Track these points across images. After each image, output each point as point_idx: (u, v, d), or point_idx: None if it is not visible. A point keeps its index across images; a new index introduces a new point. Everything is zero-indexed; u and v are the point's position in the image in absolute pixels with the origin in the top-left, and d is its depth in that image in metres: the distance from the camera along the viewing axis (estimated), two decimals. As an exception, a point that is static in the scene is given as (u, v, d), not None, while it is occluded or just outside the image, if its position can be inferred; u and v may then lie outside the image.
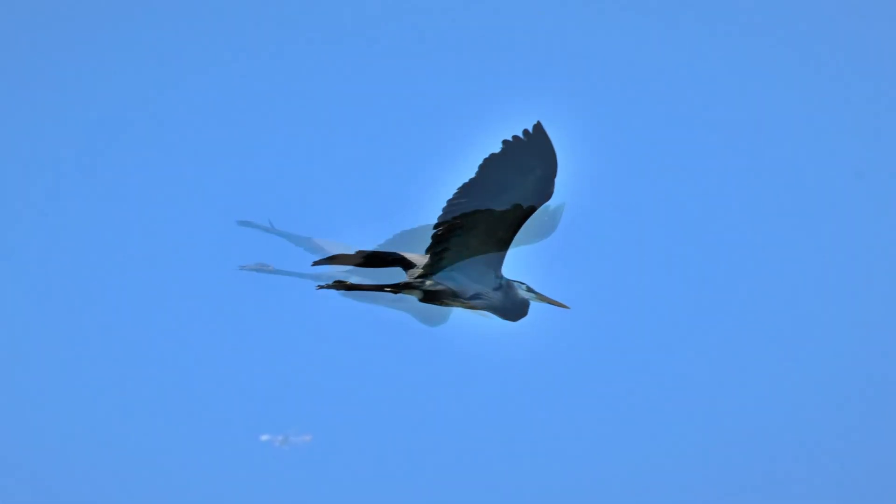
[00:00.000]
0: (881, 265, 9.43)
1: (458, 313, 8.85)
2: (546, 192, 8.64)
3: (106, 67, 9.93)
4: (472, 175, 8.60)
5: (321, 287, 8.85)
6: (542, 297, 8.91)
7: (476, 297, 8.87)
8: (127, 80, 9.85)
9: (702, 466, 8.83)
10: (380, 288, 8.91)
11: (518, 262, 8.90)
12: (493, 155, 8.57)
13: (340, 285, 8.87)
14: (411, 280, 8.94)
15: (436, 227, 8.72)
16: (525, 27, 10.22)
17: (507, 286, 8.88)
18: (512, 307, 8.87)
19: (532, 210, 8.69)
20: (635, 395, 9.12)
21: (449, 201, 8.64)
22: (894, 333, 9.15)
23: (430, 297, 8.91)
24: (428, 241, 8.83)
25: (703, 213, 9.50)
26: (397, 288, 8.92)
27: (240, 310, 8.88)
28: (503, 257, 8.82)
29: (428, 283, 8.90)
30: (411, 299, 8.90)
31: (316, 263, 8.76)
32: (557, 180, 8.61)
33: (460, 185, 8.61)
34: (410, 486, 8.69)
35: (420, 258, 9.21)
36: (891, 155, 9.73)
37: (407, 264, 9.16)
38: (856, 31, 10.02)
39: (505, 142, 8.55)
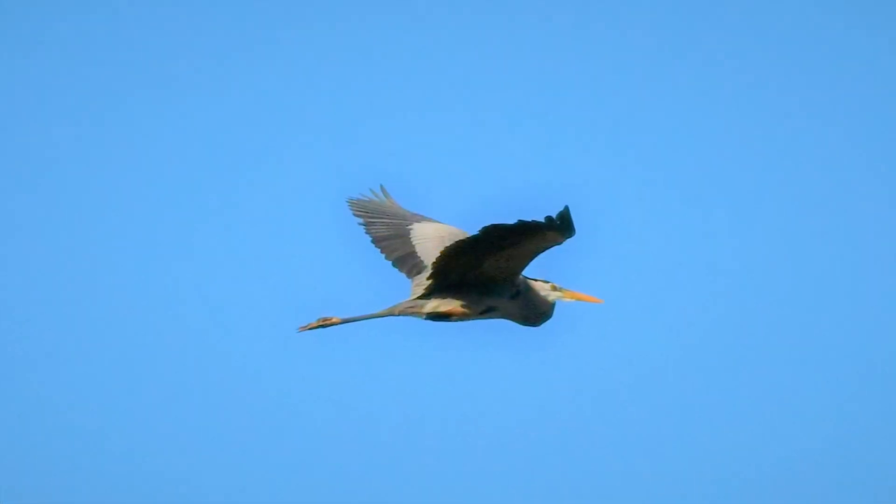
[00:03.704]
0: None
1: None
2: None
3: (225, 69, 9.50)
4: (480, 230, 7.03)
5: (303, 328, 7.49)
6: (571, 294, 7.53)
7: (489, 310, 7.47)
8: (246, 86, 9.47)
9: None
10: (374, 316, 7.53)
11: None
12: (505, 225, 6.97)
13: (325, 322, 7.48)
14: (410, 303, 7.49)
15: (437, 261, 7.24)
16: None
17: (525, 290, 7.46)
18: (532, 313, 7.51)
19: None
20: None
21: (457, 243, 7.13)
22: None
23: (436, 317, 7.52)
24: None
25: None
26: (392, 312, 7.53)
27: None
28: (524, 266, 7.35)
29: (431, 304, 7.48)
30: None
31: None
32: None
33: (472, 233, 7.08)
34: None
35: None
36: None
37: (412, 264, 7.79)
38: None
39: (522, 223, 7.10)
